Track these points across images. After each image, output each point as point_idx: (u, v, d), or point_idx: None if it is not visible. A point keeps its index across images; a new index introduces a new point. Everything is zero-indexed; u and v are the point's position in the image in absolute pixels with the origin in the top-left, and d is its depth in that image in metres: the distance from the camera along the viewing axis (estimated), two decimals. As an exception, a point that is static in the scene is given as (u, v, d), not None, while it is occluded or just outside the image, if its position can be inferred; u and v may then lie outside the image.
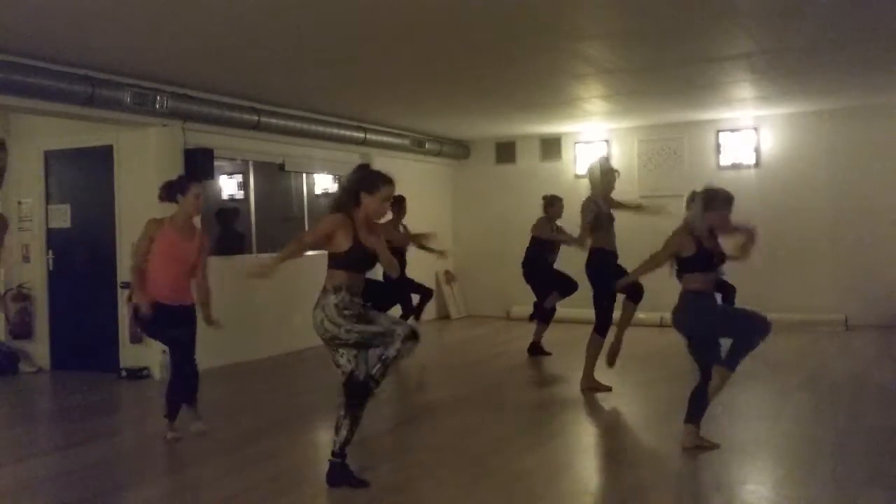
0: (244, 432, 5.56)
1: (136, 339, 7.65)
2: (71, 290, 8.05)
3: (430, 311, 11.24)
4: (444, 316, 11.86)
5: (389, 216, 6.38)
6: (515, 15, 5.39)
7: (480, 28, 5.70)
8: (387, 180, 4.22)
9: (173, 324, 5.22)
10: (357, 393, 4.12)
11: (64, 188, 8.15)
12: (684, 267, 4.72)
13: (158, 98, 6.99)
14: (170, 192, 5.32)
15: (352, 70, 7.00)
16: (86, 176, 8.06)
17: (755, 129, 10.27)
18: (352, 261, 4.12)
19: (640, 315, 9.95)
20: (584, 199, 6.57)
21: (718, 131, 10.45)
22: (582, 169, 11.34)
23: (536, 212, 8.30)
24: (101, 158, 7.85)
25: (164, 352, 7.22)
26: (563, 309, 10.56)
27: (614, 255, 6.45)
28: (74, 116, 6.77)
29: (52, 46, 5.89)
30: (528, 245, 8.31)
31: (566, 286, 7.99)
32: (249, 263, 4.38)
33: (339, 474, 4.19)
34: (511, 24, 5.60)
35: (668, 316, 9.23)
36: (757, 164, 10.21)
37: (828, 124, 9.85)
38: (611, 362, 6.58)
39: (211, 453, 5.11)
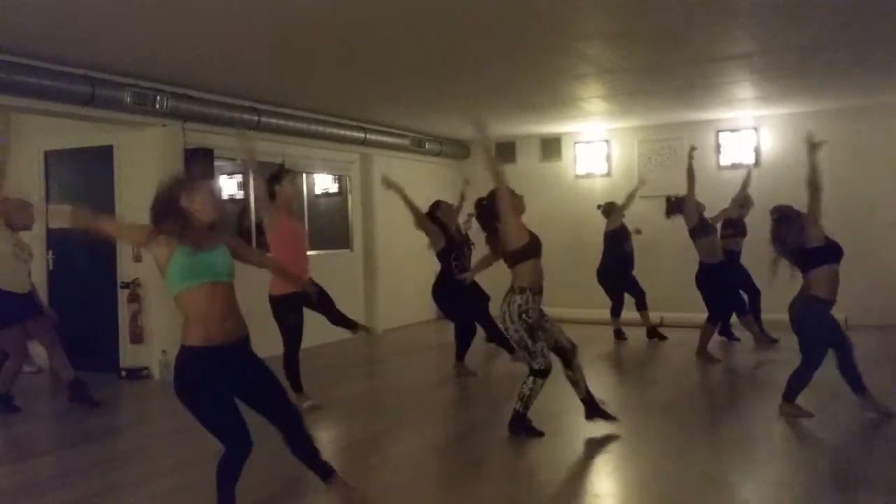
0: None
1: (136, 339, 7.64)
2: (71, 290, 8.04)
3: (430, 311, 11.20)
4: (444, 316, 11.79)
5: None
6: (515, 15, 5.39)
7: (480, 28, 5.70)
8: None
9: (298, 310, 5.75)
10: (539, 375, 5.00)
11: (64, 188, 8.13)
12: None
13: (158, 98, 6.99)
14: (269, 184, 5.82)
15: (352, 70, 7.00)
16: (86, 176, 8.06)
17: (755, 129, 10.27)
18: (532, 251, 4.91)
19: (642, 315, 10.01)
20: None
21: (718, 131, 10.45)
22: (581, 169, 11.39)
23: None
24: (101, 158, 7.84)
25: (164, 352, 7.22)
26: (567, 310, 10.54)
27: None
28: (74, 116, 6.77)
29: (52, 46, 5.88)
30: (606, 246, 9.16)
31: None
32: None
33: (521, 426, 5.03)
34: (511, 24, 5.60)
35: (668, 316, 9.16)
36: (757, 164, 10.21)
37: (828, 124, 9.80)
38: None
39: (209, 454, 5.10)
